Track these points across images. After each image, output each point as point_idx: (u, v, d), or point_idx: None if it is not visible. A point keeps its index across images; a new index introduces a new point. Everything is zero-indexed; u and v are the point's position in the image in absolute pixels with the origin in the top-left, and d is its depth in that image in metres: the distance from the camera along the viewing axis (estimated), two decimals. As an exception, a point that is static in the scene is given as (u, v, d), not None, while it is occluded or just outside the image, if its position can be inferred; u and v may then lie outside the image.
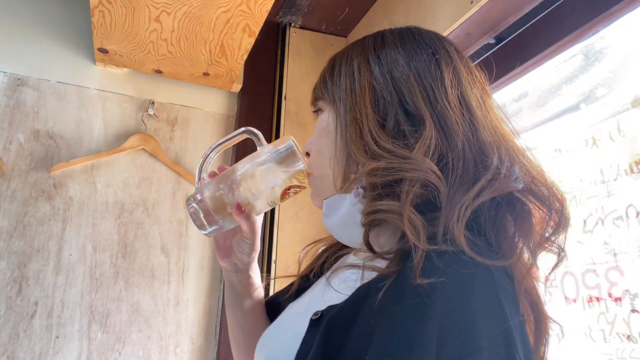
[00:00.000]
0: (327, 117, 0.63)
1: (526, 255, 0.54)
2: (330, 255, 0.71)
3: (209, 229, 0.67)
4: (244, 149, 1.24)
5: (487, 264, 0.47)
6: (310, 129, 1.60)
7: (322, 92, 0.64)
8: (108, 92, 1.50)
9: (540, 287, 0.56)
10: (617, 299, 0.84)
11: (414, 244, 0.47)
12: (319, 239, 0.75)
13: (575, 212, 0.93)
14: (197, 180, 0.69)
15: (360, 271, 0.53)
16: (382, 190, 0.53)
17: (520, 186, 0.53)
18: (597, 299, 0.88)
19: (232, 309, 0.77)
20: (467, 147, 0.54)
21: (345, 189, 0.58)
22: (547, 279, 0.58)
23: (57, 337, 1.29)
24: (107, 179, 1.44)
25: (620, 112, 0.88)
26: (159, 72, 1.50)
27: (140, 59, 1.42)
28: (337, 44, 1.72)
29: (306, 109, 1.60)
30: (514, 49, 1.09)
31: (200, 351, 1.42)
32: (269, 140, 0.66)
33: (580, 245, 0.92)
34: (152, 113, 1.51)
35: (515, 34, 1.09)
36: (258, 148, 0.67)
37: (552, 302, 0.95)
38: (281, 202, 0.67)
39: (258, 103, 1.62)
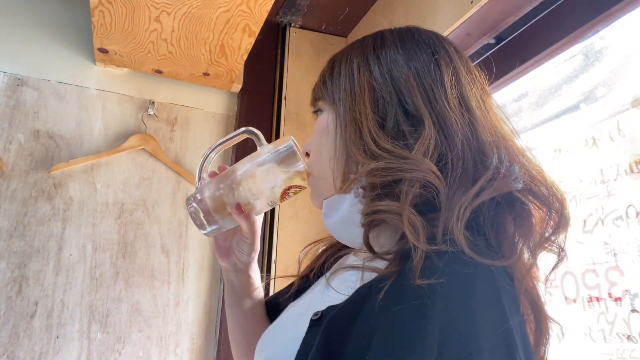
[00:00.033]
0: (327, 117, 0.63)
1: (526, 255, 0.54)
2: (330, 256, 0.71)
3: (209, 229, 0.68)
4: (244, 149, 1.24)
5: (487, 263, 0.47)
6: (310, 129, 1.60)
7: (321, 92, 0.64)
8: (108, 92, 1.50)
9: (541, 287, 0.56)
10: (617, 299, 0.84)
11: (413, 244, 0.47)
12: (319, 239, 0.75)
13: (575, 212, 0.93)
14: (197, 180, 0.69)
15: (361, 271, 0.53)
16: (381, 191, 0.53)
17: (520, 186, 0.53)
18: (597, 299, 0.87)
19: (231, 309, 0.77)
20: (466, 147, 0.54)
21: (345, 189, 0.58)
22: (547, 279, 0.58)
23: (57, 337, 1.29)
24: (107, 179, 1.44)
25: (620, 112, 0.88)
26: (159, 72, 1.50)
27: (140, 59, 1.42)
28: (337, 44, 1.72)
29: (306, 109, 1.60)
30: (514, 49, 1.09)
31: (200, 351, 1.42)
32: (269, 140, 0.66)
33: (580, 245, 0.92)
34: (152, 113, 1.52)
35: (515, 34, 1.09)
36: (258, 148, 0.67)
37: (552, 302, 0.95)
38: (281, 202, 0.67)
39: (258, 103, 1.62)
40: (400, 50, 0.60)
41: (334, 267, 0.67)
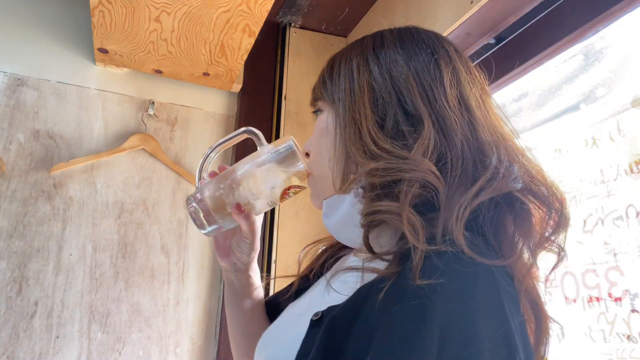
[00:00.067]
0: (327, 118, 0.63)
1: (526, 254, 0.54)
2: (330, 256, 0.71)
3: (209, 229, 0.68)
4: (244, 149, 1.24)
5: (487, 263, 0.47)
6: (310, 129, 1.60)
7: (321, 92, 0.64)
8: (108, 92, 1.50)
9: (541, 287, 0.56)
10: (617, 299, 0.84)
11: (413, 244, 0.47)
12: (319, 239, 0.75)
13: (575, 212, 0.93)
14: (197, 180, 0.69)
15: (361, 272, 0.53)
16: (381, 191, 0.53)
17: (519, 186, 0.53)
18: (597, 299, 0.87)
19: (231, 309, 0.77)
20: (466, 147, 0.54)
21: (345, 190, 0.58)
22: (547, 279, 0.58)
23: (57, 337, 1.29)
24: (107, 179, 1.44)
25: (620, 112, 0.88)
26: (159, 72, 1.50)
27: (140, 59, 1.42)
28: (337, 44, 1.72)
29: (306, 109, 1.60)
30: (514, 49, 1.09)
31: (200, 351, 1.42)
32: (269, 140, 0.66)
33: (580, 245, 0.92)
34: (152, 113, 1.52)
35: (515, 34, 1.09)
36: (258, 148, 0.67)
37: (552, 302, 0.95)
38: (281, 202, 0.67)
39: (258, 103, 1.62)
40: (399, 50, 0.60)
41: (334, 267, 0.67)
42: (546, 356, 0.55)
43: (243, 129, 0.69)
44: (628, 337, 0.81)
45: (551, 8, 1.01)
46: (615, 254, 0.86)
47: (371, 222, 0.54)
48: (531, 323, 0.54)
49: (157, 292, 1.41)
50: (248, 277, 0.75)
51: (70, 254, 1.35)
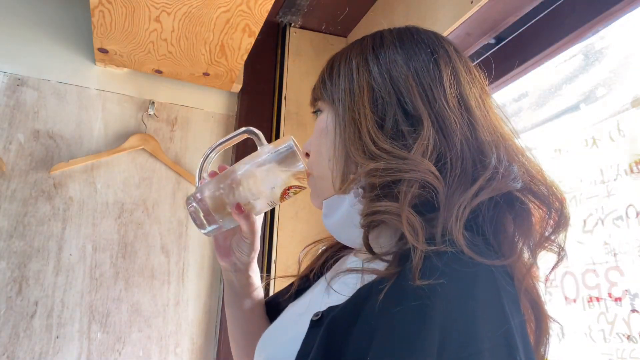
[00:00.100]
0: (326, 118, 0.63)
1: (526, 254, 0.53)
2: (331, 256, 0.71)
3: (209, 229, 0.68)
4: (244, 149, 1.24)
5: (486, 263, 0.47)
6: (310, 129, 1.60)
7: (321, 92, 0.64)
8: (108, 92, 1.50)
9: (541, 287, 0.56)
10: (617, 299, 0.84)
11: (413, 245, 0.47)
12: (319, 239, 0.75)
13: (575, 212, 0.93)
14: (197, 180, 0.69)
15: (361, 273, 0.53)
16: (380, 191, 0.52)
17: (519, 185, 0.53)
18: (597, 299, 0.87)
19: (231, 309, 0.77)
20: (465, 147, 0.54)
21: (344, 190, 0.57)
22: (547, 279, 0.58)
23: (57, 337, 1.29)
24: (107, 179, 1.44)
25: (620, 112, 0.88)
26: (159, 72, 1.50)
27: (140, 59, 1.42)
28: (337, 44, 1.72)
29: (306, 109, 1.60)
30: (514, 49, 1.09)
31: (200, 351, 1.42)
32: (269, 140, 0.66)
33: (580, 245, 0.92)
34: (152, 113, 1.52)
35: (515, 34, 1.09)
36: (258, 148, 0.67)
37: (552, 302, 0.95)
38: (281, 202, 0.67)
39: (258, 103, 1.62)
40: (399, 50, 0.60)
41: (334, 267, 0.67)
42: (546, 356, 0.55)
43: (243, 129, 0.69)
44: (628, 337, 0.81)
45: (551, 8, 1.01)
46: (615, 254, 0.86)
47: (371, 223, 0.54)
48: (531, 323, 0.54)
49: (157, 292, 1.41)
50: (248, 277, 0.75)
51: (70, 254, 1.35)
